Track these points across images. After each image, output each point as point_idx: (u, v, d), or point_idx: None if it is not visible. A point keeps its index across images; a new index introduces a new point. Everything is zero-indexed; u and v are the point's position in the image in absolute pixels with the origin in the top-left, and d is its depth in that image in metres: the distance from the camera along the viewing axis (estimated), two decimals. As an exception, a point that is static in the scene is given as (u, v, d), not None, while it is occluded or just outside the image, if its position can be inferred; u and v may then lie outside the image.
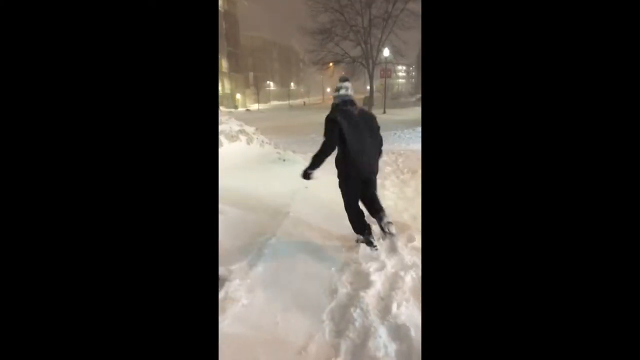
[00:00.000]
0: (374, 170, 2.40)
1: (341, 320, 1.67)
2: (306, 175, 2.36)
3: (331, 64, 19.87)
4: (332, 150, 2.24)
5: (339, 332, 1.59)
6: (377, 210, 2.43)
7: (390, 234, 2.36)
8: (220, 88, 32.53)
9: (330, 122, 2.21)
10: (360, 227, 2.42)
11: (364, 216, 2.45)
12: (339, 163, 2.33)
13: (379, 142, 2.40)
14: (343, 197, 2.44)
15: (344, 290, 1.90)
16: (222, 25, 32.54)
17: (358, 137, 2.21)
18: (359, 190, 2.38)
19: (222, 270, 2.00)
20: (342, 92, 2.30)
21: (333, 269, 2.13)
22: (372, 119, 2.37)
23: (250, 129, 5.18)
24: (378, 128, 2.38)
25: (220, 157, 4.10)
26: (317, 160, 2.28)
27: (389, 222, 2.39)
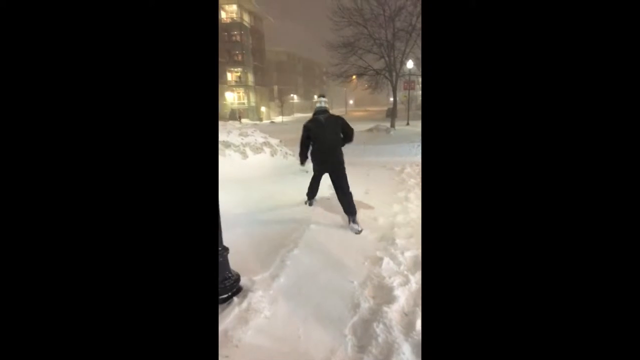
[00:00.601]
0: (338, 160, 3.15)
1: (364, 335, 1.64)
2: (302, 163, 3.31)
3: (354, 77, 19.97)
4: (304, 145, 3.18)
5: (361, 348, 1.56)
6: (349, 212, 3.06)
7: (356, 229, 2.95)
8: (245, 101, 33.40)
9: (304, 127, 3.14)
10: (310, 194, 3.54)
11: (316, 190, 3.53)
12: (311, 154, 3.22)
13: (348, 137, 3.19)
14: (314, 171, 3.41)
15: (366, 304, 1.87)
16: (249, 41, 33.60)
17: (322, 136, 3.08)
18: (322, 171, 3.30)
19: (244, 281, 2.03)
20: (318, 105, 3.20)
21: (355, 282, 2.10)
22: (338, 120, 3.14)
23: (274, 141, 5.26)
24: (345, 125, 3.15)
25: (244, 169, 4.19)
26: (300, 154, 3.25)
27: (355, 224, 3.01)
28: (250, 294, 1.88)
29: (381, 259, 2.37)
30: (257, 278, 2.09)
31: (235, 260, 2.06)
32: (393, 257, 2.39)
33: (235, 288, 1.92)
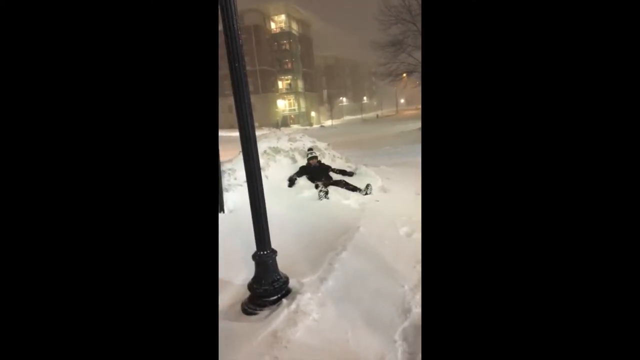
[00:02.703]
0: (324, 181, 4.17)
1: (414, 342, 1.57)
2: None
3: (404, 75, 19.45)
4: (296, 177, 4.23)
5: (412, 355, 1.50)
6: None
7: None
8: (296, 107, 34.22)
9: (301, 167, 4.37)
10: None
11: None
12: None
13: (325, 173, 4.36)
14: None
15: (417, 310, 1.79)
16: (298, 48, 34.43)
17: (314, 173, 4.26)
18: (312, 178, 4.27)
19: (293, 283, 2.06)
20: (310, 154, 4.45)
21: (406, 286, 2.03)
22: (325, 166, 4.46)
23: (322, 145, 5.30)
24: (328, 168, 4.47)
25: (292, 174, 4.28)
26: (290, 181, 4.23)
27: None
28: (298, 296, 1.90)
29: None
30: (305, 280, 2.11)
31: (285, 263, 2.11)
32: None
33: (284, 290, 1.95)
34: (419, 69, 18.51)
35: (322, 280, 2.11)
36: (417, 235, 2.78)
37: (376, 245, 2.63)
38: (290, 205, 3.58)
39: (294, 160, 4.66)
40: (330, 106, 36.21)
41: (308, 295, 1.92)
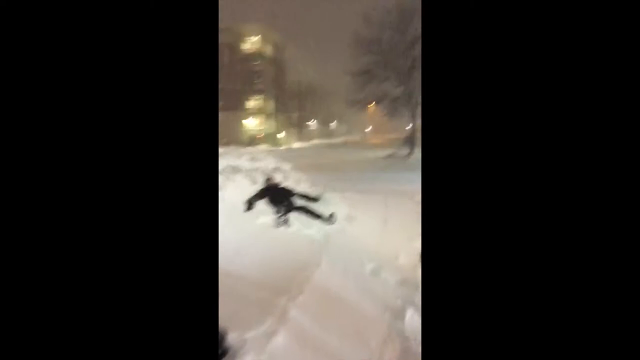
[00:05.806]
0: (285, 205, 3.78)
1: None
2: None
3: (372, 103, 19.93)
4: (254, 200, 3.68)
5: None
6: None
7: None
8: (264, 127, 34.01)
9: (260, 190, 3.85)
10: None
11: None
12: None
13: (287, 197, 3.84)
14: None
15: (387, 379, 1.44)
16: (271, 70, 34.64)
17: (274, 196, 3.75)
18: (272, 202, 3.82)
19: (233, 338, 1.63)
20: (269, 181, 3.99)
21: (373, 343, 1.68)
22: (287, 190, 3.95)
23: (286, 167, 4.99)
24: (290, 192, 3.91)
25: (249, 196, 3.88)
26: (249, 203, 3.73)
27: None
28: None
29: (404, 310, 1.94)
30: (249, 335, 1.68)
31: (225, 311, 1.68)
32: (419, 309, 1.95)
33: (220, 350, 1.51)
34: (386, 98, 19.10)
35: (270, 335, 1.69)
36: (385, 275, 2.47)
37: (339, 286, 2.27)
38: (244, 234, 3.15)
39: (254, 181, 4.28)
40: (299, 129, 36.38)
41: (250, 356, 1.51)
